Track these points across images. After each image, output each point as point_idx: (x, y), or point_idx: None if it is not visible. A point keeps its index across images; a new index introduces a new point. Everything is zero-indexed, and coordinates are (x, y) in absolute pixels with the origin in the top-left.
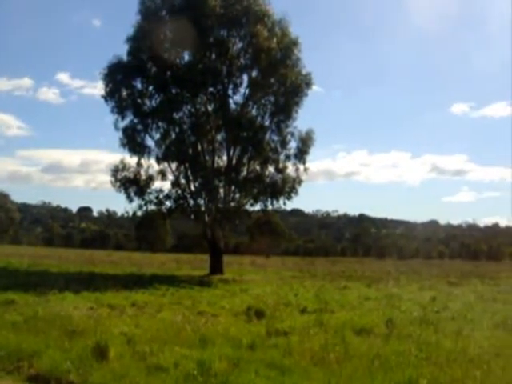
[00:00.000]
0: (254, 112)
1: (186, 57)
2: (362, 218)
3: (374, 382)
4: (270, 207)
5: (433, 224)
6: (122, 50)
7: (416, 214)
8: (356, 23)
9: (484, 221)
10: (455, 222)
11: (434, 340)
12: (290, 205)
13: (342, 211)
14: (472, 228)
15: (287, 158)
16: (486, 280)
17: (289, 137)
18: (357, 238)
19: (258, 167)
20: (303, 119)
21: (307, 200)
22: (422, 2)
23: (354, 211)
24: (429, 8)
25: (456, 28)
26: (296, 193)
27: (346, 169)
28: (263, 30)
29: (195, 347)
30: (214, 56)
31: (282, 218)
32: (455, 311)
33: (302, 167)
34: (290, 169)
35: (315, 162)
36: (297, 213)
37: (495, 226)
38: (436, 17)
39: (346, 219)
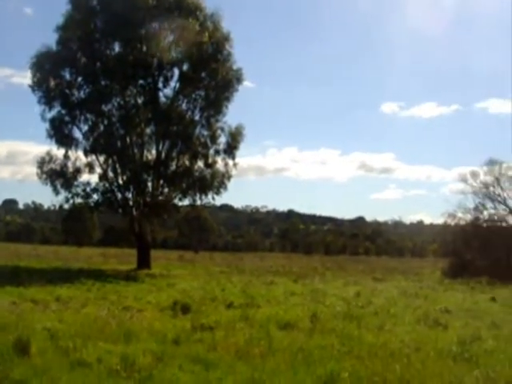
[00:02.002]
0: (184, 106)
1: (117, 48)
2: (291, 213)
3: (297, 376)
4: (198, 202)
5: (360, 221)
6: (53, 39)
7: (344, 210)
8: (290, 19)
9: (410, 218)
10: (382, 218)
11: (357, 334)
12: (219, 200)
13: (271, 207)
14: (398, 225)
15: (217, 152)
16: (409, 276)
17: (219, 132)
18: (285, 234)
19: (187, 161)
20: (234, 115)
21: (237, 195)
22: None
23: (282, 207)
24: (363, 7)
25: (387, 28)
26: (225, 188)
27: (275, 165)
28: (195, 23)
29: (119, 342)
30: (144, 48)
31: (211, 213)
32: (378, 306)
33: (231, 162)
34: (220, 164)
35: (246, 157)
36: (226, 208)
37: (420, 223)
38: (370, 17)
39: (274, 215)
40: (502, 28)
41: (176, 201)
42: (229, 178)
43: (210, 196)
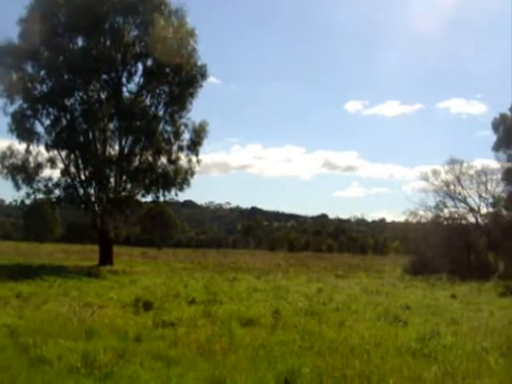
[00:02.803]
0: (147, 101)
1: (80, 42)
2: (255, 210)
3: (258, 372)
4: (161, 198)
5: (323, 218)
6: (16, 32)
7: (307, 207)
8: (259, 17)
9: (372, 216)
10: (344, 216)
11: (318, 330)
12: (182, 196)
13: (234, 204)
14: (360, 222)
15: (180, 149)
16: (371, 273)
17: (182, 128)
18: (248, 231)
19: (150, 157)
20: (199, 111)
21: (201, 192)
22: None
23: (246, 204)
24: (331, 7)
25: (353, 27)
26: (188, 184)
27: (240, 162)
28: (160, 18)
29: (80, 339)
30: (108, 43)
31: (174, 210)
32: (340, 303)
33: (194, 159)
34: (183, 160)
35: (210, 154)
36: (189, 204)
37: (382, 220)
38: (336, 16)
39: (238, 211)
40: (464, 30)
41: (139, 197)
42: (192, 174)
43: (173, 192)
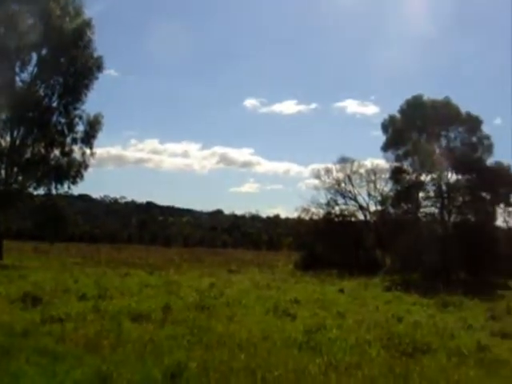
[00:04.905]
0: (41, 92)
1: None
2: (150, 205)
3: (145, 366)
4: (54, 191)
5: (218, 213)
6: None
7: (203, 203)
8: (160, 8)
9: (267, 212)
10: (240, 212)
11: (207, 325)
12: (76, 190)
13: (130, 198)
14: (255, 218)
15: (74, 141)
16: (263, 268)
17: (76, 120)
18: (143, 226)
19: (42, 149)
20: (96, 103)
21: (96, 186)
22: None
23: (142, 198)
24: (235, 3)
25: (252, 27)
26: (81, 177)
27: (136, 156)
28: (56, 7)
29: None
30: (2, 30)
31: (69, 203)
32: (231, 297)
33: (88, 151)
34: (77, 153)
35: (106, 147)
36: (84, 198)
37: (276, 217)
38: (236, 13)
39: (133, 206)
40: (362, 35)
41: (31, 189)
42: (86, 167)
43: (66, 185)
